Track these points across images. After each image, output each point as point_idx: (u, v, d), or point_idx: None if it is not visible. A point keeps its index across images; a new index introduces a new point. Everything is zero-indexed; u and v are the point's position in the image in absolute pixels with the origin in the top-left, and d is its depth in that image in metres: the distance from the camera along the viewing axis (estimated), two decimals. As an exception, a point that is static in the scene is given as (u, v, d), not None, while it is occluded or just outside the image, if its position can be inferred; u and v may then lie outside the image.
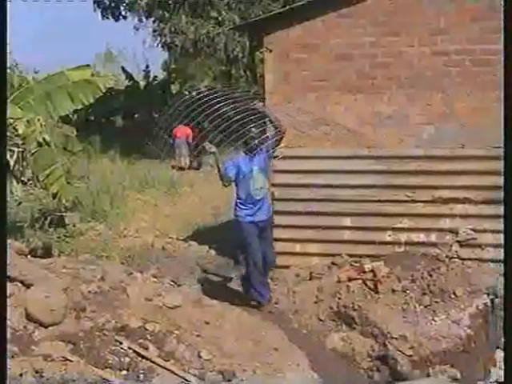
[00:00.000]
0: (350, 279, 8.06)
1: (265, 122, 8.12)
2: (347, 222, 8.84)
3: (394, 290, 7.85)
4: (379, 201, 8.64)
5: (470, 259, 8.45)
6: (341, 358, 7.44)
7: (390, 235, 8.72)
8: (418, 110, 8.57)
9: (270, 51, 9.05)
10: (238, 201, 8.08)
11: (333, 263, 8.66)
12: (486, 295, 7.98)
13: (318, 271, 8.51)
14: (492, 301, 8.00)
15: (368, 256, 8.47)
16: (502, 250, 8.32)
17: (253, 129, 7.87)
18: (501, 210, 8.27)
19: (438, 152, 8.48)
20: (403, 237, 8.70)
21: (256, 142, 7.88)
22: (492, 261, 8.44)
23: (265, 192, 8.07)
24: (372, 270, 8.02)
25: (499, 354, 8.16)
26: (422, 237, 8.66)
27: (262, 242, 8.08)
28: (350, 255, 8.71)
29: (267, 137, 8.04)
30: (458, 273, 8.15)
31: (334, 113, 8.82)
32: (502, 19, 6.03)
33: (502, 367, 8.10)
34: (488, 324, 7.90)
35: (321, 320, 7.80)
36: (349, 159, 8.71)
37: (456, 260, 8.44)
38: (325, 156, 8.78)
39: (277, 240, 8.73)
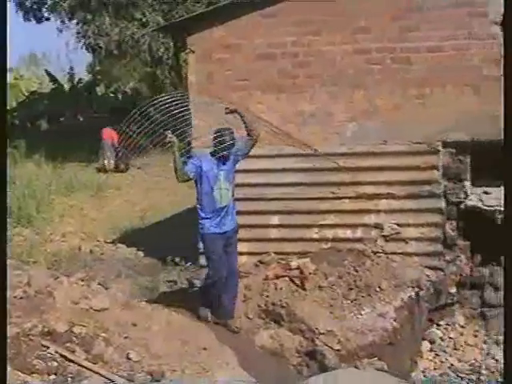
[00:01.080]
0: (277, 277, 8.11)
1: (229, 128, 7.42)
2: (275, 220, 8.95)
3: (320, 287, 7.95)
4: (305, 198, 8.77)
5: (394, 253, 8.65)
6: (270, 355, 7.49)
7: (316, 232, 8.86)
8: (340, 108, 8.73)
9: (193, 52, 9.09)
10: (201, 210, 7.38)
11: (260, 261, 8.73)
12: (410, 288, 8.20)
13: (246, 270, 8.54)
14: (417, 293, 8.24)
15: (295, 253, 8.59)
16: (426, 243, 8.69)
17: (225, 132, 7.25)
18: (423, 203, 8.62)
19: (362, 148, 8.66)
20: (329, 233, 8.84)
21: (227, 146, 7.24)
22: (416, 254, 8.69)
23: (230, 200, 7.47)
24: (299, 267, 8.10)
25: (425, 346, 8.45)
26: (347, 233, 8.82)
27: (228, 255, 7.48)
28: (277, 253, 8.79)
29: (237, 142, 7.40)
30: (383, 267, 8.36)
31: (257, 112, 8.90)
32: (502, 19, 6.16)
33: (430, 358, 8.39)
34: (413, 316, 8.13)
35: (249, 318, 7.81)
36: (274, 158, 8.81)
37: (381, 254, 8.64)
38: (250, 155, 8.85)
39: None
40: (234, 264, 7.59)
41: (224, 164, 7.34)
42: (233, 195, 7.52)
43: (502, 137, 5.38)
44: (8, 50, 5.20)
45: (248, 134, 7.45)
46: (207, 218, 7.33)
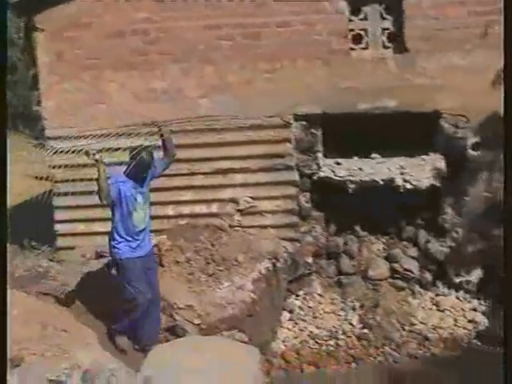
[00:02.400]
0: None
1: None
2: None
3: (178, 262, 8.23)
4: (161, 175, 8.95)
5: (251, 227, 9.06)
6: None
7: (172, 209, 9.13)
8: (192, 84, 8.99)
9: (42, 30, 9.07)
10: (117, 233, 7.04)
11: (116, 241, 8.89)
12: (267, 260, 8.61)
13: (103, 250, 8.69)
14: (274, 265, 8.68)
15: (151, 231, 8.79)
16: (281, 216, 9.12)
17: (144, 152, 6.95)
18: (277, 176, 9.03)
19: (215, 124, 8.96)
20: (186, 209, 9.13)
21: (146, 167, 7.00)
22: (272, 226, 9.14)
23: (148, 222, 7.28)
24: (156, 245, 8.29)
25: (285, 315, 8.92)
26: (203, 208, 9.12)
27: (148, 277, 7.18)
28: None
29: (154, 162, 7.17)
30: (239, 240, 8.73)
31: (108, 91, 9.07)
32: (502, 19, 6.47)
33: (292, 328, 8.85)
34: (271, 287, 8.56)
35: (110, 298, 7.98)
36: (127, 136, 8.93)
37: (238, 228, 9.04)
38: (101, 134, 8.94)
39: (59, 222, 8.91)
40: (156, 286, 7.30)
41: (141, 186, 7.09)
42: (150, 216, 7.37)
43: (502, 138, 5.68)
44: None
45: (165, 153, 7.40)
46: (124, 242, 7.04)
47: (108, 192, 6.79)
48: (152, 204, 8.73)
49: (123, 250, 7.04)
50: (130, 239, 7.06)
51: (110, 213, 7.11)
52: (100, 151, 6.90)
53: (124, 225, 7.02)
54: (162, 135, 7.36)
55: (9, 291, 7.48)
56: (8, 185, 5.57)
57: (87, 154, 6.83)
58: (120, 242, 7.04)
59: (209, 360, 4.45)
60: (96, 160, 6.75)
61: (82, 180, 8.80)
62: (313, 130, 9.10)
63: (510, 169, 2.75)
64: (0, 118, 5.50)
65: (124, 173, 7.01)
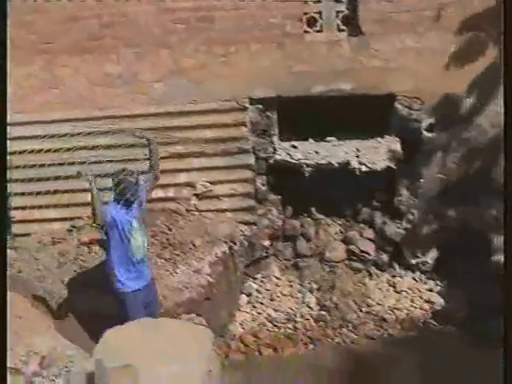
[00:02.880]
0: (91, 241, 8.41)
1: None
2: (85, 184, 9.06)
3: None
4: (118, 161, 8.99)
5: (207, 211, 9.17)
6: (89, 317, 7.62)
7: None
8: (147, 68, 9.03)
9: (-5, 15, 9.04)
10: (115, 265, 6.79)
11: (73, 226, 8.96)
12: (224, 243, 8.76)
13: (60, 236, 8.74)
14: (230, 248, 8.82)
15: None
16: (238, 199, 9.24)
17: (128, 179, 6.73)
18: (234, 160, 9.14)
19: (170, 108, 9.03)
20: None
21: (132, 190, 6.69)
22: (229, 210, 9.27)
23: (145, 251, 7.00)
24: None
25: (242, 299, 9.07)
26: (160, 193, 9.12)
27: (148, 309, 6.91)
28: (90, 217, 8.98)
29: (140, 185, 6.93)
30: (196, 224, 8.85)
31: (62, 76, 9.08)
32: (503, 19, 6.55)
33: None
34: (228, 271, 8.70)
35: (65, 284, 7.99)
36: (81, 121, 8.97)
37: (194, 212, 9.15)
38: (58, 120, 8.98)
39: (16, 208, 8.92)
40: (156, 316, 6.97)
41: (131, 210, 6.78)
42: (146, 245, 7.11)
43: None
44: None
45: (151, 167, 7.22)
46: (125, 274, 6.81)
47: (102, 215, 6.57)
48: (107, 189, 8.84)
49: (125, 283, 6.81)
50: (130, 270, 6.82)
51: (107, 243, 6.89)
52: (94, 175, 6.70)
53: (123, 255, 6.76)
54: (150, 147, 7.26)
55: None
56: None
57: (79, 174, 6.73)
58: (120, 275, 6.78)
59: (161, 342, 4.53)
60: (89, 181, 6.62)
61: (37, 166, 8.85)
62: (268, 114, 9.21)
63: (510, 169, 2.86)
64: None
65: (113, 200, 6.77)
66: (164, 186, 9.14)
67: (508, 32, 3.45)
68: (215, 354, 4.51)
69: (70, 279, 7.98)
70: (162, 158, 8.74)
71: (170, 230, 8.69)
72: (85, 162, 7.37)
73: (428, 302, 9.10)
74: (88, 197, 8.56)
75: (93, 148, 8.79)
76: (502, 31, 4.61)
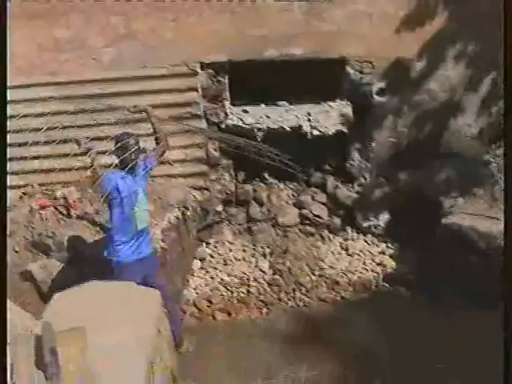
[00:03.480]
0: (42, 207, 8.41)
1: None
2: (38, 150, 9.08)
3: (86, 213, 8.35)
4: (67, 127, 8.99)
5: (159, 176, 9.19)
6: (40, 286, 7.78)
7: (79, 160, 9.17)
8: (96, 33, 8.99)
9: None
10: (116, 234, 6.70)
11: (24, 193, 8.95)
12: (176, 209, 8.83)
13: (10, 203, 8.68)
14: (183, 214, 8.92)
15: (59, 183, 8.87)
16: (190, 164, 9.31)
17: (127, 136, 6.74)
18: (185, 125, 9.16)
19: (121, 74, 9.03)
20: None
21: (134, 152, 6.65)
22: (181, 175, 9.36)
23: (147, 222, 7.00)
24: (64, 197, 8.46)
25: (196, 264, 9.19)
26: (112, 159, 9.09)
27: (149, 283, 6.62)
28: (41, 184, 9.06)
29: (145, 150, 6.95)
30: (148, 191, 8.76)
31: (11, 41, 8.98)
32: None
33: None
34: (181, 236, 8.80)
35: (16, 252, 8.06)
36: (33, 87, 8.98)
37: None
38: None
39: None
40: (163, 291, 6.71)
41: (135, 176, 6.74)
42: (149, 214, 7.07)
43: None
44: None
45: (156, 140, 7.14)
46: (123, 244, 6.71)
47: (101, 182, 6.45)
48: (59, 156, 8.85)
49: (123, 253, 6.71)
50: (130, 241, 6.74)
51: (109, 212, 6.82)
52: (91, 140, 6.63)
53: (124, 225, 6.67)
54: (149, 117, 7.20)
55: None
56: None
57: (78, 142, 6.60)
58: (119, 244, 6.70)
59: (110, 305, 4.62)
60: (88, 149, 6.53)
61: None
62: (219, 78, 9.26)
63: (510, 169, 2.89)
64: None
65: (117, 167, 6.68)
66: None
67: (508, 32, 3.52)
68: (164, 315, 4.60)
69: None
70: (110, 124, 8.85)
71: None
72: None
73: (380, 264, 9.31)
74: (37, 164, 8.75)
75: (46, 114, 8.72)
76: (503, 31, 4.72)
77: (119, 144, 6.61)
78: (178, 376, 4.21)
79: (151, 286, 6.37)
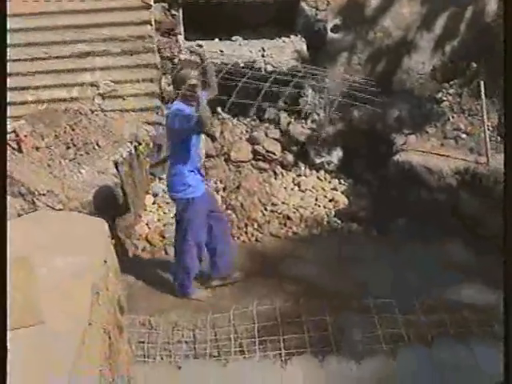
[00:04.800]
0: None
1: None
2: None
3: (38, 148, 8.41)
4: (18, 60, 9.00)
5: (112, 110, 9.31)
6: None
7: (31, 94, 9.23)
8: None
9: None
10: (187, 165, 6.65)
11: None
12: (129, 144, 8.95)
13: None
14: (135, 148, 9.05)
15: (9, 117, 8.90)
16: (143, 99, 9.39)
17: (188, 63, 6.72)
18: (138, 59, 9.23)
19: (73, 6, 8.98)
20: (45, 94, 9.21)
21: (189, 80, 6.39)
22: (134, 110, 9.45)
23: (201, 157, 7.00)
24: (14, 131, 8.46)
25: (149, 199, 9.35)
26: (63, 93, 9.24)
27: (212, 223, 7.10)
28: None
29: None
30: (100, 125, 8.98)
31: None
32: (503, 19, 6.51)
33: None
34: (133, 171, 8.97)
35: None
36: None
37: (99, 112, 9.26)
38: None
39: None
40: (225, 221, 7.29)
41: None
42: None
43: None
44: None
45: (205, 83, 6.81)
46: (194, 176, 6.74)
47: (174, 115, 6.40)
48: (10, 90, 8.85)
49: (195, 186, 6.75)
50: (197, 173, 6.79)
51: (171, 148, 6.92)
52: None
53: (193, 156, 6.69)
54: (202, 60, 6.94)
55: None
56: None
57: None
58: (188, 176, 6.69)
59: (56, 234, 4.67)
60: (193, 85, 6.35)
61: None
62: (173, 12, 9.31)
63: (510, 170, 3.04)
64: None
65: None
66: (67, 86, 9.26)
67: (508, 32, 3.66)
68: (111, 244, 4.66)
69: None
70: (65, 57, 8.95)
71: (73, 130, 8.75)
72: None
73: (332, 200, 9.56)
74: None
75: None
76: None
77: (180, 70, 6.52)
78: (125, 307, 4.37)
79: (217, 217, 7.08)
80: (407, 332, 6.50)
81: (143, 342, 6.61)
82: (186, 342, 6.70)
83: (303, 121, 10.00)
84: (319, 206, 9.48)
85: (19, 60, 8.89)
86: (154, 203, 9.51)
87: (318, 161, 10.02)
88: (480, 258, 7.70)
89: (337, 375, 6.10)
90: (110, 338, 3.66)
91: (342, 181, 9.96)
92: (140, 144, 9.06)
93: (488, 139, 8.22)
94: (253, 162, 9.91)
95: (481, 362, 6.01)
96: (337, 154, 10.01)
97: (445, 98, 9.53)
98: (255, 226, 9.02)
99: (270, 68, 9.41)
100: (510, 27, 3.52)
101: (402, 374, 6.01)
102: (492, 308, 6.62)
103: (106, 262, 3.89)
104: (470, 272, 7.49)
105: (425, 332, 6.50)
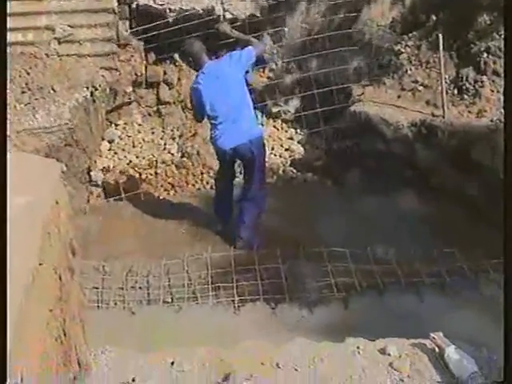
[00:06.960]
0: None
1: None
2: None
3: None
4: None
5: (68, 55, 9.42)
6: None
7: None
8: None
9: None
10: (244, 113, 7.41)
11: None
12: (85, 89, 9.11)
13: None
14: (91, 93, 9.23)
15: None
16: (100, 44, 9.51)
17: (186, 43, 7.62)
18: (96, 3, 9.34)
19: None
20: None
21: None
22: (90, 55, 9.58)
23: None
24: None
25: (104, 145, 9.57)
26: (19, 36, 9.32)
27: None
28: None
29: None
30: (56, 69, 9.12)
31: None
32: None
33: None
34: (89, 116, 9.16)
35: None
36: None
37: (54, 57, 9.37)
38: None
39: None
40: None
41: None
42: None
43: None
44: None
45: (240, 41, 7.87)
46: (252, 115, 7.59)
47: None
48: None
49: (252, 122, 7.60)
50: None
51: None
52: None
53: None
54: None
55: None
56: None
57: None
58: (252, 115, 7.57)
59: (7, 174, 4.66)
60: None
61: None
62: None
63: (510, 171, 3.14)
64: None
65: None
66: (22, 30, 9.34)
67: (508, 33, 3.80)
68: (62, 185, 4.76)
69: None
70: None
71: (28, 74, 8.90)
72: None
73: (288, 150, 9.85)
74: None
75: None
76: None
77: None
78: (77, 249, 4.51)
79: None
80: (359, 281, 6.81)
81: (97, 288, 6.85)
82: (140, 288, 6.95)
83: (261, 69, 10.20)
84: (275, 155, 9.73)
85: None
86: (109, 149, 9.70)
87: (274, 110, 10.24)
88: (432, 209, 8.02)
89: (289, 322, 6.36)
90: (60, 279, 3.72)
91: (299, 130, 10.18)
92: (96, 89, 9.18)
93: (445, 92, 8.44)
94: (209, 111, 10.01)
95: (429, 310, 6.28)
96: (294, 104, 10.23)
97: (403, 50, 9.63)
98: (211, 173, 9.20)
99: (228, 16, 9.58)
100: (509, 27, 3.75)
101: (353, 322, 6.21)
102: (443, 258, 6.96)
103: (57, 203, 3.91)
104: (421, 222, 7.84)
105: (376, 281, 6.81)
